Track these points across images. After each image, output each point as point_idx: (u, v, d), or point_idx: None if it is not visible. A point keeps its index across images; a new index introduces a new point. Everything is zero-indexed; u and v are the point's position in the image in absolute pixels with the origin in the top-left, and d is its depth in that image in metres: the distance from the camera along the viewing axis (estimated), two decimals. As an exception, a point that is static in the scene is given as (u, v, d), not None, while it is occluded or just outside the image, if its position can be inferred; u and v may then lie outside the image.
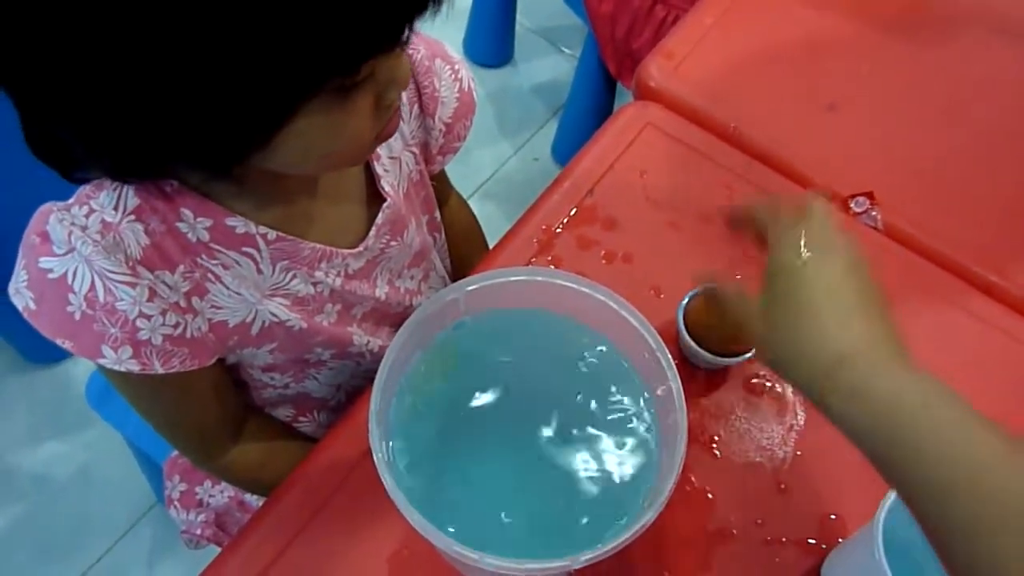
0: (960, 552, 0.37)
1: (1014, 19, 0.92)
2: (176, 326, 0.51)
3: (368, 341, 0.63)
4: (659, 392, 0.54)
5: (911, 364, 0.42)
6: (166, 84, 0.37)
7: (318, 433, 0.71)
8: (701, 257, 0.72)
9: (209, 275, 0.52)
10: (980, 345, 0.70)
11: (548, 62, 1.81)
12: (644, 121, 0.80)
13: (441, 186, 0.73)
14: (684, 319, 0.64)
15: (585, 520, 0.52)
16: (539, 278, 0.56)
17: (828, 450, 0.63)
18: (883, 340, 0.43)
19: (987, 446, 0.38)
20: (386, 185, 0.60)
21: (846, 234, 0.46)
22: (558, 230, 0.72)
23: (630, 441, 0.55)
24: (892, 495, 0.50)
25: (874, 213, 0.75)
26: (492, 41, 1.75)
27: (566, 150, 1.57)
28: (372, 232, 0.59)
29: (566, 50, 1.83)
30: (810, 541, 0.60)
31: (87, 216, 0.48)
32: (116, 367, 0.49)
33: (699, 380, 0.66)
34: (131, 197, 0.49)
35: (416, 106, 0.62)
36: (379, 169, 0.59)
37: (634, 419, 0.55)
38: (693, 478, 0.62)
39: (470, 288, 0.56)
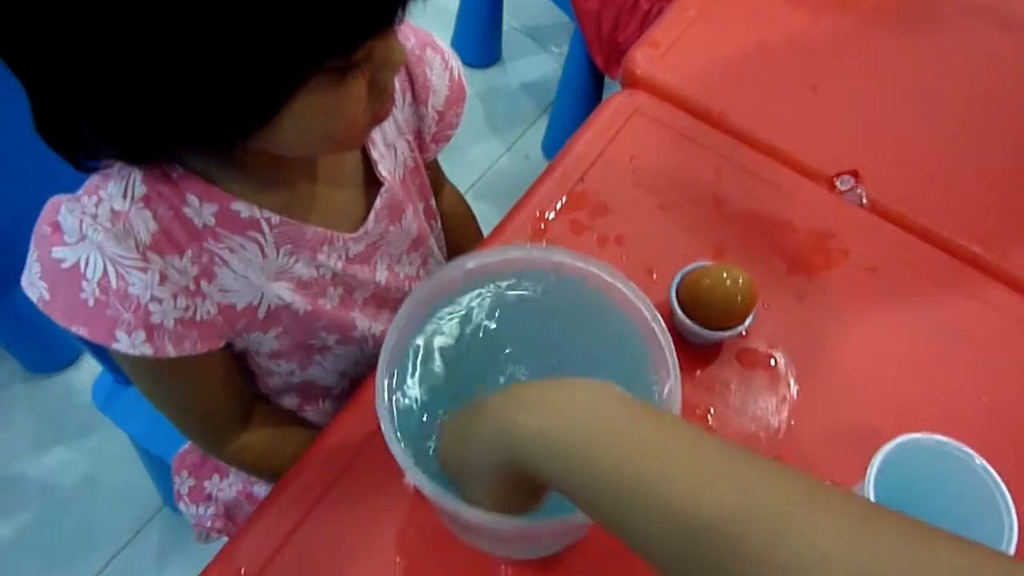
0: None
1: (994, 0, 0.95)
2: (187, 309, 0.52)
3: (370, 325, 0.65)
4: (655, 371, 0.55)
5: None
6: (169, 66, 0.39)
7: (323, 421, 0.72)
8: (691, 237, 0.74)
9: (216, 259, 0.54)
10: (965, 317, 0.71)
11: (536, 61, 1.84)
12: (632, 108, 0.82)
13: (435, 176, 0.75)
14: (677, 296, 0.65)
15: None
16: (536, 253, 0.57)
17: (820, 419, 0.65)
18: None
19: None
20: (383, 170, 0.61)
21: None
22: (551, 216, 0.74)
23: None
24: (880, 456, 0.51)
25: (859, 191, 0.77)
26: (480, 41, 1.77)
27: (556, 147, 1.58)
28: (371, 216, 0.60)
29: (553, 48, 1.85)
30: (806, 507, 0.61)
31: (96, 205, 0.50)
32: (130, 351, 0.51)
33: (693, 355, 0.67)
34: (138, 185, 0.50)
35: (409, 94, 0.64)
36: (375, 155, 0.61)
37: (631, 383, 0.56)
38: (691, 451, 0.63)
39: (470, 265, 0.56)
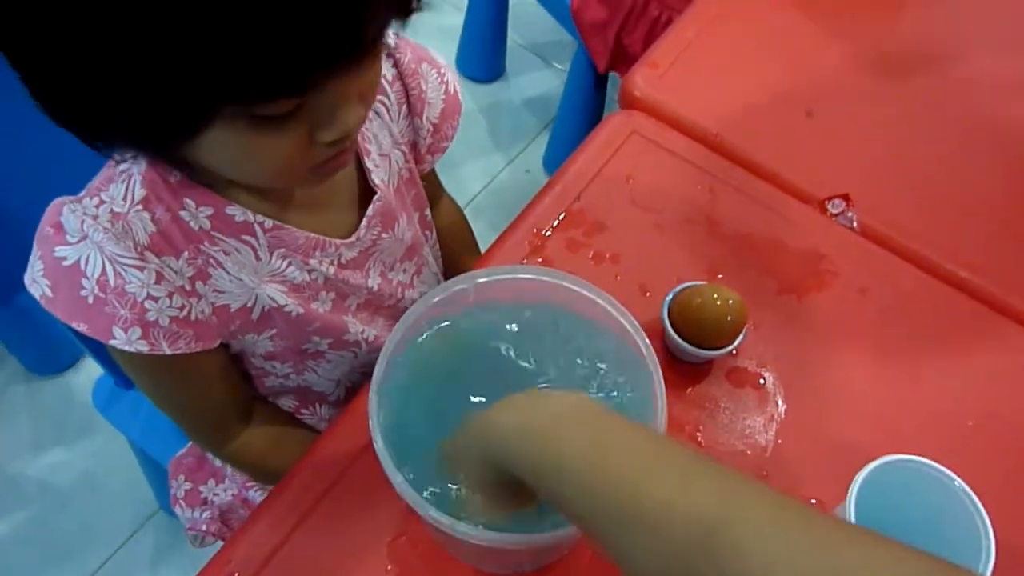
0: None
1: (989, 24, 0.97)
2: (182, 308, 0.54)
3: (363, 330, 0.66)
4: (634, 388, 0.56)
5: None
6: (97, 67, 0.39)
7: (320, 426, 0.74)
8: (685, 257, 0.75)
9: (211, 261, 0.55)
10: (952, 340, 0.73)
11: (539, 77, 1.86)
12: (630, 129, 0.83)
13: (432, 187, 0.77)
14: (669, 315, 0.67)
15: None
16: (546, 278, 0.58)
17: (807, 438, 0.66)
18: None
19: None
20: (376, 179, 0.63)
21: None
22: (547, 233, 0.76)
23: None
24: (861, 476, 0.53)
25: (850, 214, 0.79)
26: (484, 57, 1.79)
27: (557, 162, 1.59)
28: (363, 223, 0.62)
29: (556, 65, 1.87)
30: (791, 525, 0.62)
31: (97, 207, 0.52)
32: (127, 348, 0.53)
33: (684, 373, 0.68)
34: (138, 189, 0.52)
35: (404, 107, 0.66)
36: (369, 164, 0.63)
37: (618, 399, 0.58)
38: (679, 466, 0.64)
39: (481, 280, 0.57)
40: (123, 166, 0.53)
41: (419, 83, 0.66)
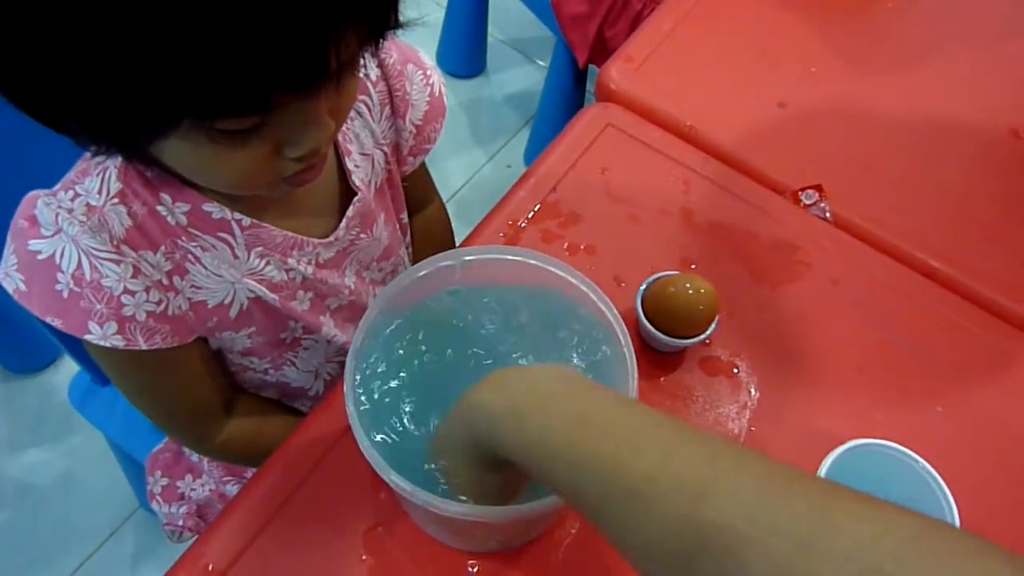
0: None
1: (960, 18, 0.98)
2: (159, 303, 0.54)
3: (336, 335, 0.66)
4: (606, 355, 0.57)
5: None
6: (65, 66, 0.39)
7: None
8: (659, 248, 0.76)
9: (189, 256, 0.55)
10: (923, 328, 0.74)
11: (519, 72, 1.86)
12: (605, 122, 0.84)
13: (425, 189, 0.76)
14: (642, 305, 0.67)
15: None
16: (532, 261, 0.58)
17: (780, 424, 0.67)
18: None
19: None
20: (357, 180, 0.63)
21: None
22: (523, 224, 0.76)
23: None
24: (829, 460, 0.53)
25: (823, 205, 0.80)
26: (465, 52, 1.79)
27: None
28: (343, 224, 0.62)
29: (537, 60, 1.87)
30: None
31: (72, 200, 0.51)
32: (102, 343, 0.52)
33: (658, 363, 0.69)
34: (114, 182, 0.52)
35: (388, 108, 0.66)
36: (350, 164, 0.63)
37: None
38: (653, 454, 0.65)
39: (467, 258, 0.57)
40: (99, 159, 0.52)
41: (403, 84, 0.65)
